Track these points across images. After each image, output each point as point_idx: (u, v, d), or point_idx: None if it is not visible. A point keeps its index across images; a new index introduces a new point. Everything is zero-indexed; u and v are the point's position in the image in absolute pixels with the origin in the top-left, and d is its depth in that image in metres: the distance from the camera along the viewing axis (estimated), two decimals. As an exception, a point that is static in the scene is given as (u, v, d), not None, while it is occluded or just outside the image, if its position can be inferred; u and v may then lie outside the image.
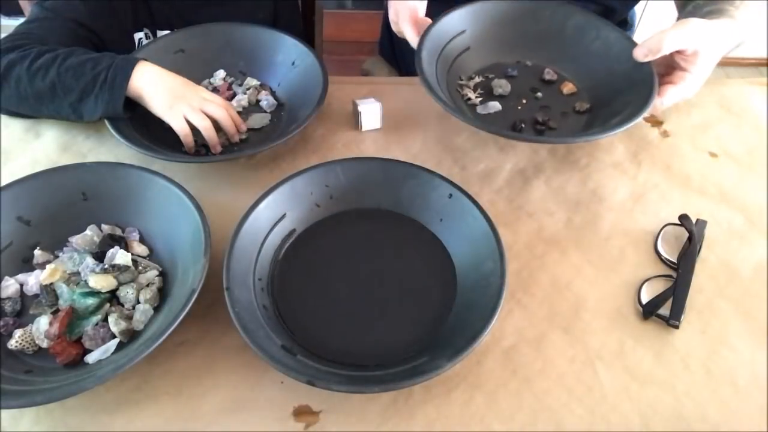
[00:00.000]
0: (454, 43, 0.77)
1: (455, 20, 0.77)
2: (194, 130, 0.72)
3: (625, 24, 1.02)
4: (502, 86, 0.76)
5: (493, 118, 0.72)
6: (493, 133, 0.64)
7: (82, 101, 0.69)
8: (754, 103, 0.86)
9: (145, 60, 0.72)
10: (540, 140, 0.68)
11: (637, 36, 0.85)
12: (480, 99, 0.75)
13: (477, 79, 0.78)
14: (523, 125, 0.71)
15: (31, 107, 0.73)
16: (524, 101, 0.75)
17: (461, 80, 0.78)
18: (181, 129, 0.71)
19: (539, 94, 0.76)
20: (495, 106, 0.73)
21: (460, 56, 0.78)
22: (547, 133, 0.71)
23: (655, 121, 0.83)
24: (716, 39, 0.67)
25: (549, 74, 0.78)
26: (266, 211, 0.63)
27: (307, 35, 1.15)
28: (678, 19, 0.75)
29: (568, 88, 0.77)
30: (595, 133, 0.65)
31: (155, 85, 0.70)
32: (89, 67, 0.69)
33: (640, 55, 0.67)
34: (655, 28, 0.69)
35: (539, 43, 0.79)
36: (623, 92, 0.72)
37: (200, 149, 0.76)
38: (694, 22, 0.66)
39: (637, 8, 1.03)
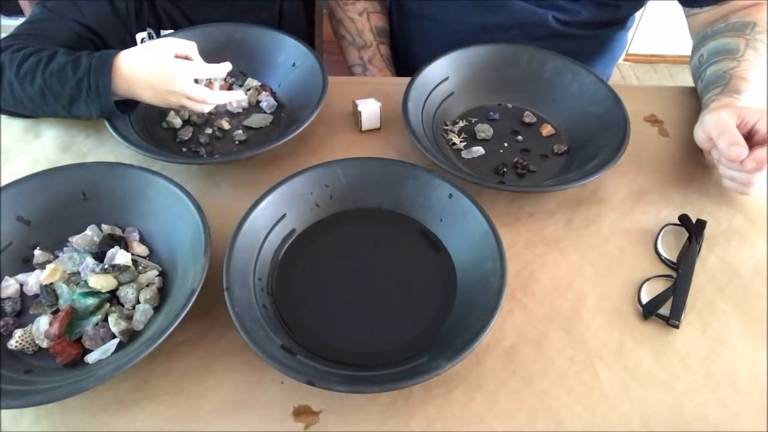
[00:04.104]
0: (438, 90, 0.81)
1: (439, 68, 0.81)
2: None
3: (624, 23, 1.02)
4: (484, 131, 0.79)
5: (477, 162, 0.76)
6: (479, 183, 0.67)
7: (73, 105, 0.69)
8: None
9: (119, 52, 0.68)
10: (520, 189, 0.72)
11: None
12: (464, 143, 0.78)
13: (461, 124, 0.81)
14: (505, 169, 0.74)
15: (28, 109, 0.73)
16: (506, 144, 0.78)
17: (446, 125, 0.81)
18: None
19: (520, 137, 0.79)
20: (478, 150, 0.77)
21: (445, 102, 0.82)
22: (527, 176, 0.74)
23: (655, 121, 0.83)
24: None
25: (528, 117, 0.81)
26: (266, 211, 0.63)
27: (308, 36, 1.15)
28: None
29: (546, 130, 0.80)
30: (571, 180, 0.68)
31: (137, 87, 0.68)
32: (70, 71, 0.67)
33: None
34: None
35: (519, 87, 0.84)
36: (598, 134, 0.75)
37: (199, 149, 0.76)
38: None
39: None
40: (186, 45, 0.71)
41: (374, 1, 1.04)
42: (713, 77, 0.74)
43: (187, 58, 0.71)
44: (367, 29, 1.02)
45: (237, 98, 0.75)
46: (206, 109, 0.72)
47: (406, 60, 1.10)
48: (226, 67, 0.73)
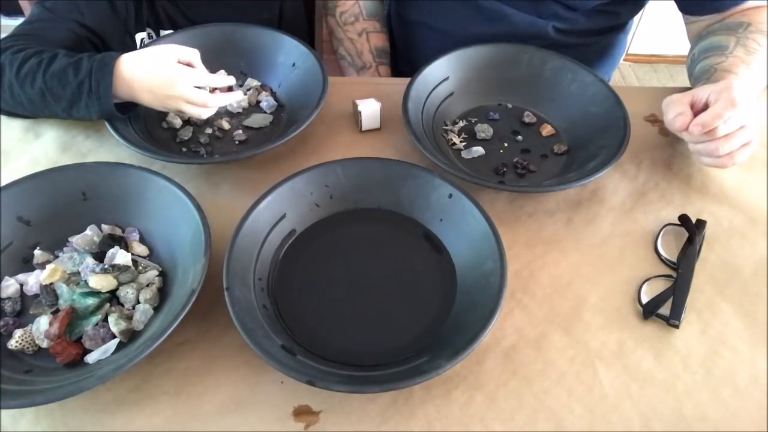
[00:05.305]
0: (439, 90, 0.81)
1: (439, 68, 0.81)
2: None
3: (623, 27, 1.02)
4: (484, 131, 0.79)
5: (477, 162, 0.76)
6: (478, 184, 0.67)
7: (73, 107, 0.68)
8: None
9: (120, 55, 0.68)
10: (520, 189, 0.72)
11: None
12: (464, 144, 0.78)
13: (461, 124, 0.81)
14: (505, 169, 0.74)
15: (28, 110, 0.73)
16: (506, 144, 0.78)
17: (446, 125, 0.81)
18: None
19: (520, 137, 0.79)
20: (478, 150, 0.77)
21: (445, 102, 0.82)
22: (527, 176, 0.74)
23: (655, 121, 0.83)
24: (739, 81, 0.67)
25: (528, 117, 0.81)
26: (266, 211, 0.63)
27: (308, 36, 1.15)
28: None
29: (546, 130, 0.80)
30: (571, 180, 0.68)
31: (137, 90, 0.68)
32: (71, 74, 0.67)
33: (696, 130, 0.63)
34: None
35: (519, 87, 0.83)
36: (598, 134, 0.75)
37: (199, 149, 0.76)
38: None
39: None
40: (189, 52, 0.71)
41: (374, 21, 1.03)
42: (700, 72, 0.74)
43: (189, 65, 0.71)
44: (366, 50, 1.01)
45: (236, 99, 0.75)
46: (205, 115, 0.71)
47: (405, 64, 1.09)
48: (230, 80, 0.74)
